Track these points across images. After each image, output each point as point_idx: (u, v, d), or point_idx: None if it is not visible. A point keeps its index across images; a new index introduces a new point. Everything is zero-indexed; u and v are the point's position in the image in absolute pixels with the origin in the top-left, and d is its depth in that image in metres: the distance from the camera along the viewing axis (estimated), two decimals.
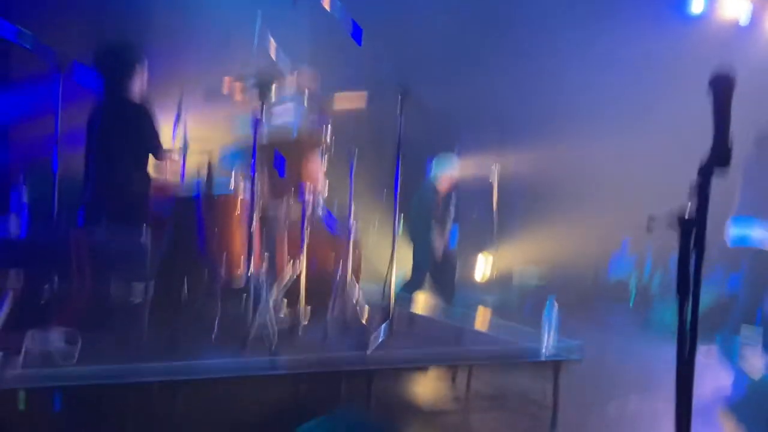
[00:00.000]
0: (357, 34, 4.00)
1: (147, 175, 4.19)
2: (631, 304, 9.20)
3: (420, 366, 3.54)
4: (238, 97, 3.92)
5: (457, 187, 7.42)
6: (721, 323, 6.45)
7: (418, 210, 6.93)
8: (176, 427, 2.95)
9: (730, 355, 5.94)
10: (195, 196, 4.02)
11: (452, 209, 7.30)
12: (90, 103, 4.13)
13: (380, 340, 3.65)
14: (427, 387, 4.53)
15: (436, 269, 7.06)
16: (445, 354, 3.67)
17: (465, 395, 4.27)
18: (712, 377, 5.17)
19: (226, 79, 3.70)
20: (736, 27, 9.04)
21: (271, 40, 4.41)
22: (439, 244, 7.00)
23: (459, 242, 7.67)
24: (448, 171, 7.11)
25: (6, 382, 2.65)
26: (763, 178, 5.93)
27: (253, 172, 3.63)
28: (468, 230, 8.30)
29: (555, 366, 3.65)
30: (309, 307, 4.14)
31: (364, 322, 4.03)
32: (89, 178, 4.04)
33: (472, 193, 8.41)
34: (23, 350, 2.93)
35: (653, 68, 8.66)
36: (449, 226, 7.32)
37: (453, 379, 4.44)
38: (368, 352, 3.49)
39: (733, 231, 6.08)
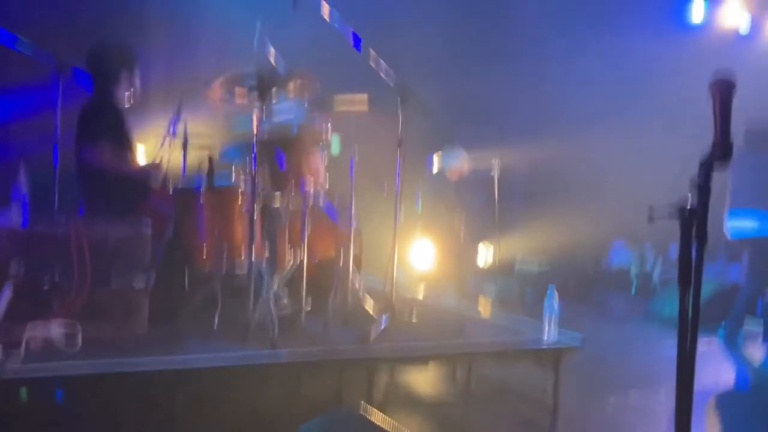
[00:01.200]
0: (357, 43, 3.99)
1: (142, 167, 4.24)
2: (633, 293, 9.22)
3: (421, 355, 3.54)
4: (239, 99, 3.93)
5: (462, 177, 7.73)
6: (722, 313, 6.49)
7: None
8: (177, 418, 2.96)
9: (733, 346, 5.97)
10: (196, 188, 4.02)
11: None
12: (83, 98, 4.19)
13: (382, 328, 3.66)
14: (428, 376, 4.55)
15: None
16: (447, 343, 3.67)
17: (466, 384, 4.29)
18: (714, 367, 5.19)
19: (227, 80, 3.70)
20: (735, 36, 9.08)
21: (269, 43, 4.42)
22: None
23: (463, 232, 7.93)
24: (456, 162, 7.56)
25: (7, 373, 2.65)
26: (753, 172, 6.00)
27: (255, 164, 3.63)
28: (470, 220, 8.37)
29: (555, 356, 3.66)
30: (310, 296, 4.15)
31: (366, 309, 4.04)
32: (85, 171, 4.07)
33: (473, 185, 8.46)
34: (24, 341, 2.94)
35: (654, 68, 8.68)
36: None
37: (454, 369, 4.46)
38: (370, 340, 3.50)
39: (731, 224, 6.14)
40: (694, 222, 1.79)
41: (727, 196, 6.14)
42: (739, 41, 9.02)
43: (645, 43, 8.48)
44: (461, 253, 8.35)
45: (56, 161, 4.31)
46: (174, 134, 4.62)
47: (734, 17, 9.02)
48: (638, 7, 8.87)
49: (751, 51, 8.90)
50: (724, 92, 1.78)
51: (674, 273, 1.84)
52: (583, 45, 8.50)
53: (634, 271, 9.78)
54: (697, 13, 9.11)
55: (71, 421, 2.83)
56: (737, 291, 6.64)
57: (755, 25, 9.06)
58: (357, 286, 4.48)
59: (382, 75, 3.85)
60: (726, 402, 4.39)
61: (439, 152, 8.20)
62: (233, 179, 4.34)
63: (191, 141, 4.89)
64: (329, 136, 4.38)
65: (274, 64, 4.36)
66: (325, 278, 4.50)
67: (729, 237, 6.27)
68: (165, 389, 2.90)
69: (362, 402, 3.30)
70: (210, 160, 3.96)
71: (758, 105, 5.87)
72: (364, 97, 4.38)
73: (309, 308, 4.06)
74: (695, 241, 1.80)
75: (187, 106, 4.55)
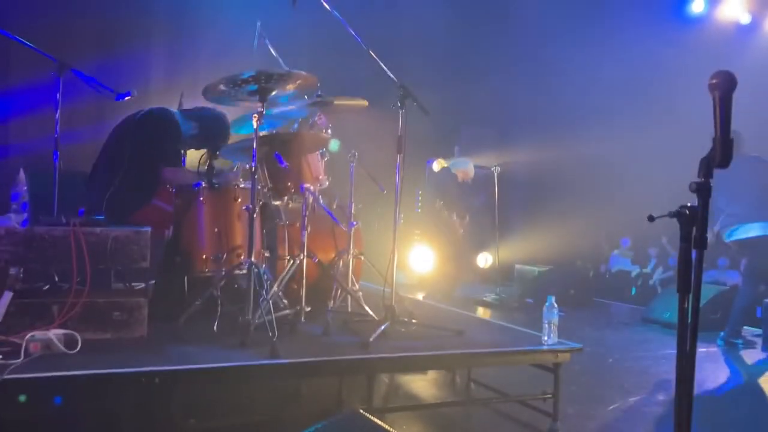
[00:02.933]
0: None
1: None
2: (632, 294, 9.22)
3: (421, 357, 3.53)
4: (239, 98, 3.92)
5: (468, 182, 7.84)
6: (721, 318, 6.48)
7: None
8: (176, 421, 2.95)
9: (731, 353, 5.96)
10: (195, 186, 4.03)
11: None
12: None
13: (382, 329, 3.65)
14: (428, 378, 4.55)
15: None
16: (447, 346, 3.66)
17: (466, 387, 4.29)
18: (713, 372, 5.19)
19: (227, 79, 3.70)
20: (736, 27, 9.05)
21: (269, 42, 4.43)
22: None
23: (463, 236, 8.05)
24: (462, 168, 7.70)
25: (6, 374, 2.65)
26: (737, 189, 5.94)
27: (254, 163, 3.63)
28: (471, 222, 8.38)
29: (555, 359, 3.65)
30: (310, 297, 4.15)
31: (366, 310, 4.03)
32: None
33: (474, 187, 8.46)
34: (24, 342, 2.93)
35: (654, 67, 8.67)
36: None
37: (454, 371, 4.46)
38: (370, 341, 3.49)
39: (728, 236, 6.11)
40: (694, 227, 1.78)
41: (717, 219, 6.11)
42: (740, 33, 9.00)
43: (646, 38, 8.47)
44: (461, 255, 8.35)
45: (56, 162, 4.30)
46: None
47: (735, 9, 9.01)
48: (638, 2, 8.86)
49: (751, 44, 8.89)
50: (723, 91, 1.77)
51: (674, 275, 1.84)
52: (584, 43, 8.49)
53: (633, 274, 9.78)
54: (697, 5, 9.10)
55: (70, 423, 2.82)
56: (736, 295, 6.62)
57: (756, 17, 9.05)
58: (356, 287, 4.48)
59: (383, 67, 3.82)
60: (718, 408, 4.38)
61: (440, 158, 8.23)
62: (233, 180, 4.34)
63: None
64: (329, 136, 4.38)
65: (273, 63, 4.36)
66: (324, 279, 4.49)
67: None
68: (164, 392, 2.89)
69: (362, 404, 3.29)
70: (210, 158, 3.96)
71: (759, 102, 5.84)
72: (363, 102, 4.40)
73: (309, 309, 4.05)
74: (695, 248, 1.79)
75: (187, 105, 4.55)
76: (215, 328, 3.61)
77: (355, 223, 4.49)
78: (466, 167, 7.98)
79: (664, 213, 1.83)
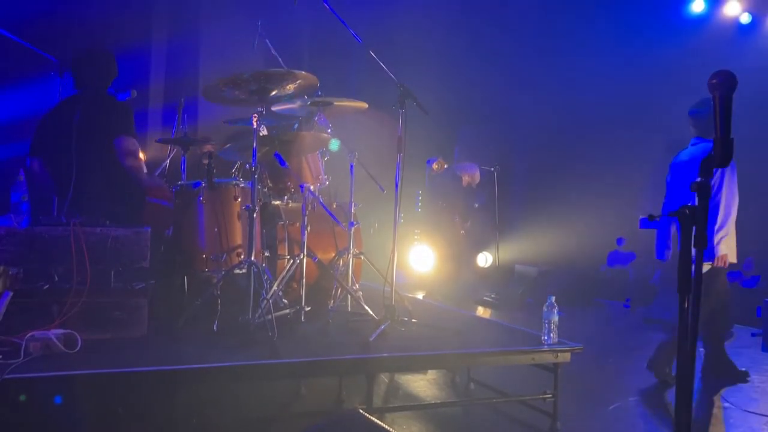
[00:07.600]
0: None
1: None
2: (631, 296, 9.20)
3: (421, 356, 3.54)
4: (239, 98, 3.92)
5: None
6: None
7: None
8: (176, 420, 2.95)
9: None
10: (196, 186, 4.03)
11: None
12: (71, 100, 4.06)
13: (382, 329, 3.66)
14: (427, 378, 4.54)
15: None
16: (446, 345, 3.67)
17: (466, 386, 4.29)
18: None
19: (227, 79, 3.69)
20: (736, 27, 9.04)
21: (269, 43, 4.43)
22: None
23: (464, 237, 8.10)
24: (468, 172, 7.70)
25: (6, 374, 2.65)
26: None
27: (254, 163, 3.63)
28: (471, 221, 8.40)
29: (555, 359, 3.65)
30: (310, 296, 4.15)
31: (366, 310, 4.03)
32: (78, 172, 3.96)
33: (474, 189, 8.48)
34: (24, 341, 2.93)
35: (654, 67, 8.68)
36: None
37: (454, 371, 4.46)
38: (370, 341, 3.49)
39: None
40: (694, 227, 1.78)
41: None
42: (740, 33, 9.00)
43: (645, 38, 8.46)
44: (461, 255, 8.36)
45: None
46: (174, 133, 4.62)
47: (735, 9, 9.01)
48: (638, 2, 8.85)
49: (751, 44, 8.88)
50: (724, 91, 1.77)
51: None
52: (583, 43, 8.49)
53: (633, 274, 9.77)
54: (697, 5, 9.10)
55: (70, 423, 2.82)
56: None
57: (756, 17, 9.04)
58: (356, 287, 4.48)
59: (383, 66, 3.83)
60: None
61: (440, 159, 8.24)
62: (233, 178, 4.34)
63: (191, 139, 4.90)
64: (329, 136, 4.39)
65: (273, 63, 4.37)
66: (324, 278, 4.50)
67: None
68: (164, 391, 2.89)
69: (362, 404, 3.29)
70: (210, 158, 3.97)
71: (760, 102, 5.80)
72: (363, 104, 4.41)
73: (309, 309, 4.06)
74: (695, 247, 1.79)
75: (187, 105, 4.56)
76: (215, 328, 3.61)
77: (355, 223, 4.49)
78: (473, 172, 8.00)
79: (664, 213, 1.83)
